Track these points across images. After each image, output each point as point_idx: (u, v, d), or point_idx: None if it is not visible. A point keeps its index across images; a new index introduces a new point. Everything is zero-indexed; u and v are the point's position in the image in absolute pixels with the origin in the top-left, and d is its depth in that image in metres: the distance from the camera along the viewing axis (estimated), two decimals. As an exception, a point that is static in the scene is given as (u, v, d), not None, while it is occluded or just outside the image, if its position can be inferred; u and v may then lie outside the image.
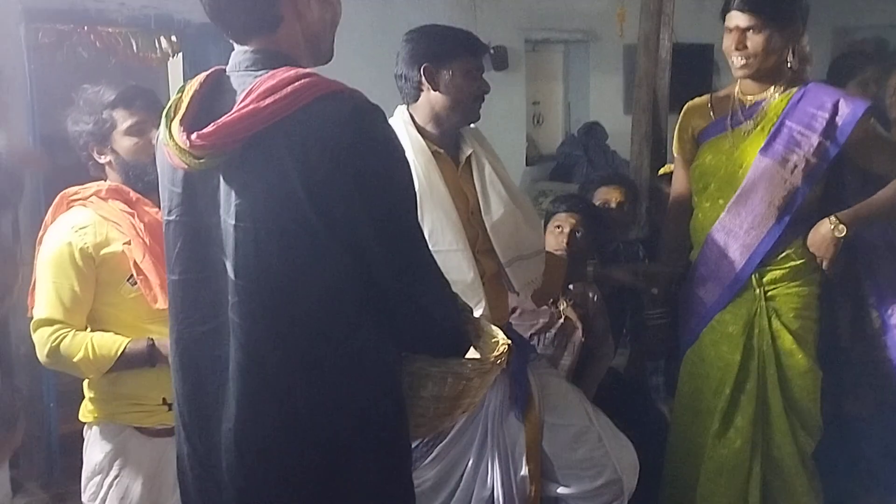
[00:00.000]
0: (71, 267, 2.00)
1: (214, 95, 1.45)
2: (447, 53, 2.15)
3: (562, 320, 2.69)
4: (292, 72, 1.38)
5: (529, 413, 2.26)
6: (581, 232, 2.73)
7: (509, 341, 1.61)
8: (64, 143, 2.16)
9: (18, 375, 2.85)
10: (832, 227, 2.34)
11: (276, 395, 1.41)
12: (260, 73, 1.41)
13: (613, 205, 3.03)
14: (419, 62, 2.15)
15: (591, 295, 2.81)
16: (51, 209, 2.13)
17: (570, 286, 2.71)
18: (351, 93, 1.38)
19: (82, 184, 2.14)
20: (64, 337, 1.97)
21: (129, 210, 2.08)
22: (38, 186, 3.28)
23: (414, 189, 1.47)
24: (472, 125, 2.30)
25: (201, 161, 1.38)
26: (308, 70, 1.41)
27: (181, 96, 1.46)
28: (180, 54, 3.98)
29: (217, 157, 1.37)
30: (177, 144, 1.39)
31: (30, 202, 3.16)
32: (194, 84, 1.47)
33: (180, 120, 1.41)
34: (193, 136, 1.36)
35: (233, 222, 1.39)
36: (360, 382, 1.42)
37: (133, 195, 2.10)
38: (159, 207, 2.05)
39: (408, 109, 2.23)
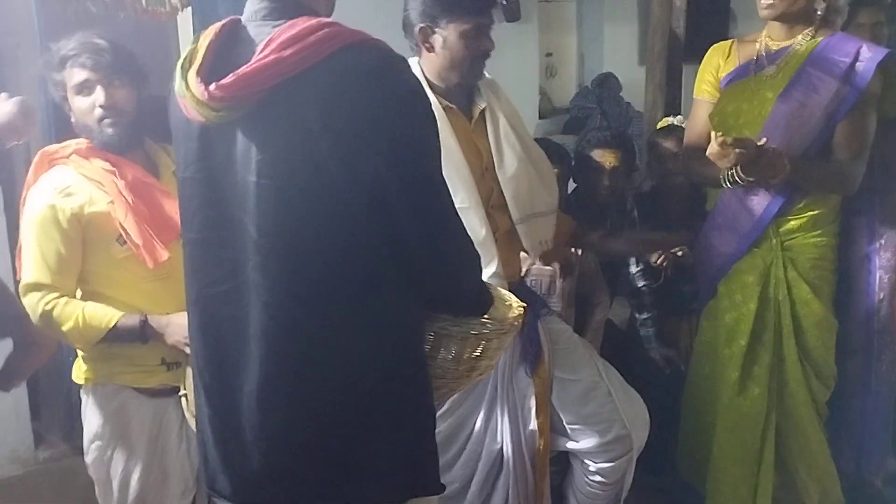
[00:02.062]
0: (56, 230, 1.93)
1: (230, 46, 1.40)
2: (441, 15, 2.07)
3: (543, 267, 2.69)
4: (314, 21, 1.33)
5: (539, 368, 2.27)
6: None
7: (524, 304, 1.61)
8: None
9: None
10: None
11: (299, 355, 1.39)
12: (278, 22, 1.36)
13: (607, 168, 2.98)
14: (416, 22, 2.10)
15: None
16: (31, 168, 2.04)
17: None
18: (375, 43, 1.35)
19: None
20: (55, 303, 1.92)
21: (111, 168, 1.99)
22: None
23: (439, 143, 1.43)
24: (487, 76, 2.25)
25: (219, 114, 1.34)
26: (329, 20, 1.37)
27: (196, 46, 1.40)
28: (189, 8, 3.93)
29: (236, 110, 1.33)
30: (194, 96, 1.34)
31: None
32: (209, 34, 1.42)
33: (196, 71, 1.36)
34: (212, 87, 1.32)
35: (254, 179, 1.35)
36: (383, 342, 1.40)
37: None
38: (138, 167, 2.02)
39: (419, 62, 2.19)
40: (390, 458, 1.44)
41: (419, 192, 1.37)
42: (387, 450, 1.43)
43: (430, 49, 2.11)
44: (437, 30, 2.08)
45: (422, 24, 2.09)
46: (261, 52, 1.32)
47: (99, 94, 1.96)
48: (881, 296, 2.55)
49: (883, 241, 2.54)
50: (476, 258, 1.50)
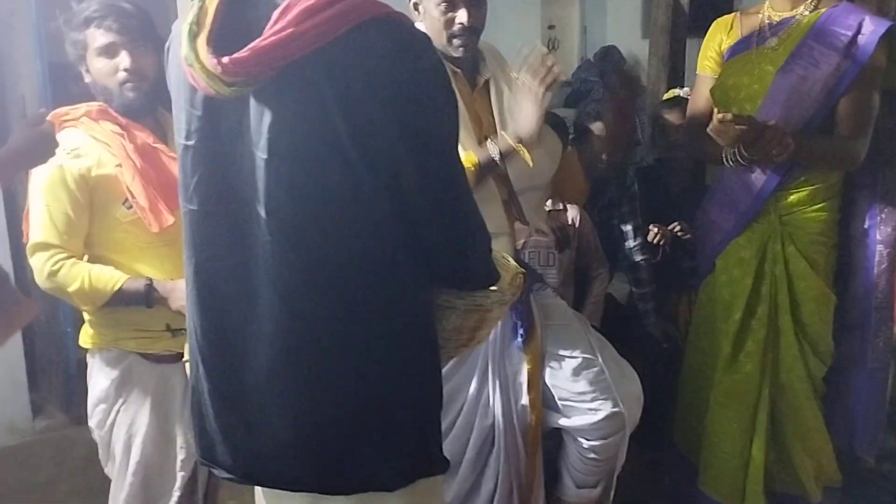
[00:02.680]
0: (63, 191, 1.95)
1: (240, 7, 1.31)
2: None
3: (541, 238, 2.68)
4: None
5: (531, 343, 2.26)
6: None
7: (522, 269, 1.60)
8: (73, 69, 2.08)
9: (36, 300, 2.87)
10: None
11: (309, 336, 1.35)
12: None
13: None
14: None
15: (570, 214, 2.81)
16: None
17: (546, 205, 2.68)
18: (396, 17, 1.29)
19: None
20: (62, 264, 1.93)
21: (120, 131, 2.01)
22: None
23: (458, 122, 1.39)
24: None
25: (232, 88, 1.26)
26: None
27: (203, 6, 1.31)
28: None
29: (249, 85, 1.26)
30: (204, 67, 1.26)
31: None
32: None
33: (206, 38, 1.27)
34: (225, 61, 1.24)
35: (264, 156, 1.29)
36: (395, 322, 1.37)
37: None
38: (147, 132, 2.03)
39: None
40: (400, 439, 1.41)
41: (436, 174, 1.33)
42: (396, 430, 1.40)
43: (420, 17, 2.12)
44: (421, 1, 2.11)
45: None
46: (275, 22, 1.24)
47: (124, 58, 1.97)
48: (880, 271, 2.53)
49: (884, 216, 2.52)
50: (487, 235, 1.47)
